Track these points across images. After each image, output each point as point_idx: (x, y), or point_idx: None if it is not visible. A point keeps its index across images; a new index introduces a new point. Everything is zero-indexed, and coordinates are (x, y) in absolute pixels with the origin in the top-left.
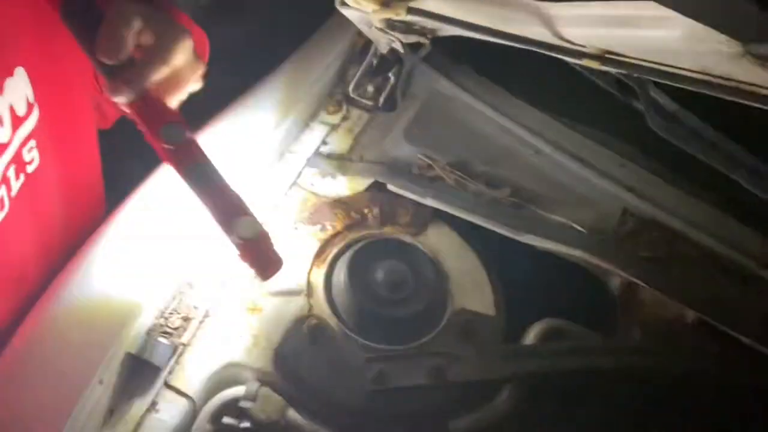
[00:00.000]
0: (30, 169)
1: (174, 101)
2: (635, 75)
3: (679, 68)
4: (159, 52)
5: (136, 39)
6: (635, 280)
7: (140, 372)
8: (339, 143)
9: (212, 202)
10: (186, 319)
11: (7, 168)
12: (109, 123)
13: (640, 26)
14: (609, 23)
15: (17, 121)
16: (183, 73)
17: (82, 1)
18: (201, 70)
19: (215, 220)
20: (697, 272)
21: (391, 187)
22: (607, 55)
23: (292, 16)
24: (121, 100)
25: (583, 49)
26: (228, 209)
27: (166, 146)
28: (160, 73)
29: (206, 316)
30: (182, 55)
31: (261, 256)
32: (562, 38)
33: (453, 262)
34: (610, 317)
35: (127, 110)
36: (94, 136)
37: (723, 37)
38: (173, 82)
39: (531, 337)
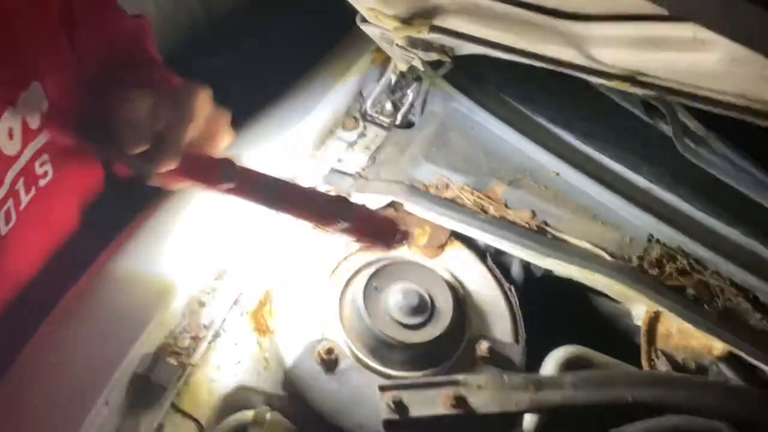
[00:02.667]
0: (42, 183)
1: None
2: (665, 98)
3: (715, 91)
4: (182, 112)
5: (153, 116)
6: (661, 308)
7: (147, 393)
8: (355, 160)
9: (302, 207)
10: (195, 339)
11: (15, 181)
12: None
13: (676, 48)
14: (642, 44)
15: (29, 135)
16: (211, 126)
17: (90, 117)
18: (227, 117)
19: (312, 221)
20: (725, 302)
21: (408, 206)
22: (638, 77)
23: (309, 30)
24: (167, 169)
25: (613, 71)
26: (319, 205)
27: (228, 187)
28: (191, 131)
29: (216, 336)
30: (203, 106)
31: (374, 229)
32: (591, 59)
33: (471, 286)
34: (634, 346)
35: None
36: None
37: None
38: (205, 137)
39: (551, 364)
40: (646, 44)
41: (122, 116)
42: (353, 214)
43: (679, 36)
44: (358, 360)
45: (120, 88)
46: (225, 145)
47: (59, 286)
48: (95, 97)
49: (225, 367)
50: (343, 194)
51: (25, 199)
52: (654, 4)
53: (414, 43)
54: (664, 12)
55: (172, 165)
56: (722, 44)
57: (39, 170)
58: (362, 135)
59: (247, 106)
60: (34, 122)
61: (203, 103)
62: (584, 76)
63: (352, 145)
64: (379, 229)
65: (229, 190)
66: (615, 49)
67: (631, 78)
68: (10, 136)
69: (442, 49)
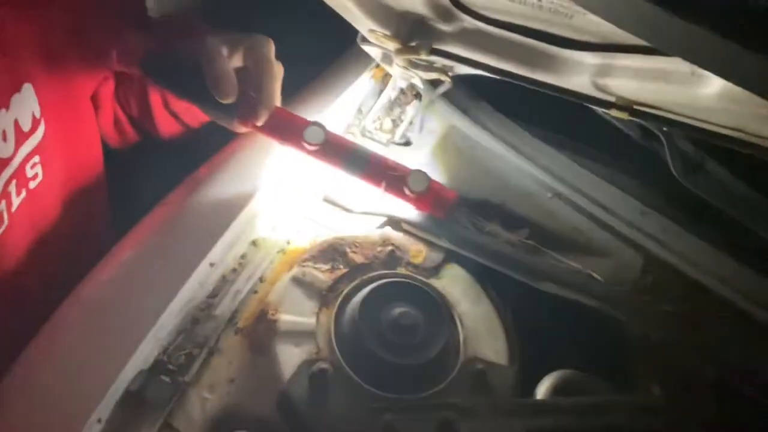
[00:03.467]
0: (33, 185)
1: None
2: (660, 127)
3: (711, 124)
4: (267, 67)
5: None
6: (654, 333)
7: (140, 411)
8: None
9: (380, 174)
10: (189, 357)
11: (8, 183)
12: (129, 142)
13: (675, 81)
14: (643, 76)
15: (22, 137)
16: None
17: (163, 55)
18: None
19: (386, 189)
20: (720, 328)
21: (405, 225)
22: (636, 107)
23: (309, 43)
24: (257, 124)
25: (612, 100)
26: (394, 173)
27: (312, 148)
28: (279, 85)
29: (211, 354)
30: (273, 55)
31: (438, 199)
32: (590, 87)
33: (466, 307)
34: (629, 370)
35: (265, 134)
36: (99, 154)
37: (765, 103)
38: (271, 88)
39: (545, 388)
40: (646, 76)
41: (210, 64)
42: (424, 185)
43: (678, 70)
44: (352, 381)
45: (200, 40)
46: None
47: (56, 293)
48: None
49: (219, 385)
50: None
51: (16, 201)
52: (648, 42)
53: (414, 64)
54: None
55: (263, 119)
56: (718, 81)
57: (30, 172)
58: None
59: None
60: (27, 124)
61: (273, 51)
62: (584, 103)
63: None
64: (438, 199)
65: (311, 151)
66: (616, 80)
67: (629, 108)
68: (4, 138)
69: (442, 69)
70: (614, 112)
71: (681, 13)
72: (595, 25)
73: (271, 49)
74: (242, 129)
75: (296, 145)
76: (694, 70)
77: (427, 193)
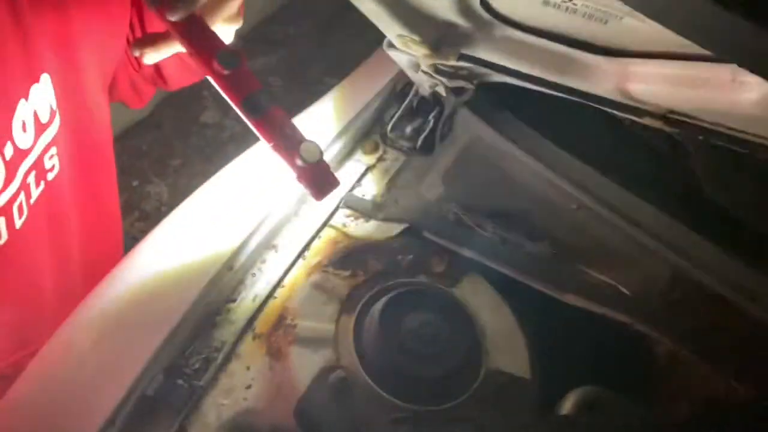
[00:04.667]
0: (50, 176)
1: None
2: (695, 136)
3: (750, 134)
4: None
5: None
6: (682, 350)
7: (156, 415)
8: (374, 184)
9: (271, 130)
10: (206, 361)
11: (27, 174)
12: (144, 101)
13: (713, 88)
14: (679, 82)
15: (40, 128)
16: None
17: None
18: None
19: (274, 147)
20: (750, 346)
21: (426, 234)
22: (670, 115)
23: (330, 51)
24: (172, 17)
25: (645, 107)
26: (288, 135)
27: (221, 72)
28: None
29: (228, 359)
30: None
31: (320, 178)
32: (624, 95)
33: (488, 318)
34: (655, 387)
35: (177, 37)
36: (110, 147)
37: None
38: (216, 6)
39: (569, 405)
40: (682, 83)
41: None
42: (315, 158)
43: (718, 77)
44: (371, 390)
45: None
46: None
47: (71, 287)
48: None
49: (235, 391)
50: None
51: (35, 192)
52: (699, 45)
53: (440, 70)
54: (706, 53)
55: (175, 15)
56: (761, 87)
57: (48, 163)
58: (382, 159)
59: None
60: (45, 115)
61: None
62: (615, 111)
63: (371, 168)
64: (321, 180)
65: (220, 78)
66: (650, 86)
67: (663, 116)
68: (24, 129)
69: (467, 77)
70: (647, 120)
71: (750, 16)
72: (631, 32)
73: None
74: (167, 16)
75: (205, 64)
76: (735, 77)
77: (312, 168)
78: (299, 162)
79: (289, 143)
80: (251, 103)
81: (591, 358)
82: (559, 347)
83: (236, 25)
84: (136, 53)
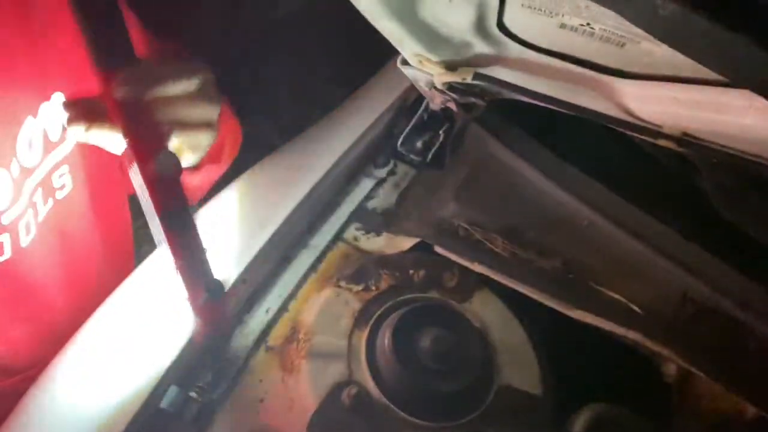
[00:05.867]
0: (60, 195)
1: (181, 142)
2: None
3: (763, 158)
4: (174, 63)
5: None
6: (693, 369)
7: (169, 428)
8: (385, 198)
9: (182, 250)
10: (219, 374)
11: (33, 192)
12: None
13: (729, 113)
14: (693, 106)
15: (49, 146)
16: (193, 106)
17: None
18: (215, 114)
19: (178, 267)
20: (761, 365)
21: (437, 248)
22: (684, 137)
23: (340, 65)
24: (121, 93)
25: (660, 129)
26: (195, 265)
27: (155, 172)
28: (170, 85)
29: (240, 372)
30: (197, 79)
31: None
32: (639, 117)
33: (499, 334)
34: (665, 406)
35: (119, 120)
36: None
37: None
38: (180, 112)
39: (581, 422)
40: (698, 107)
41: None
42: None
43: (734, 102)
44: (385, 406)
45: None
46: (196, 145)
47: (81, 304)
48: None
49: (248, 405)
50: None
51: (42, 210)
52: (714, 72)
53: (454, 88)
54: (722, 78)
55: (130, 92)
56: None
57: (57, 182)
58: (392, 173)
59: (275, 137)
60: (55, 134)
61: (201, 75)
62: (629, 132)
63: (381, 182)
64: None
65: (150, 177)
66: (666, 109)
67: (677, 138)
68: (30, 146)
69: (479, 94)
70: (662, 142)
71: (763, 42)
72: (648, 55)
73: (197, 68)
74: (115, 90)
75: (142, 160)
76: (751, 102)
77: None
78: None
79: (193, 274)
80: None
81: (602, 375)
82: (569, 364)
83: (208, 139)
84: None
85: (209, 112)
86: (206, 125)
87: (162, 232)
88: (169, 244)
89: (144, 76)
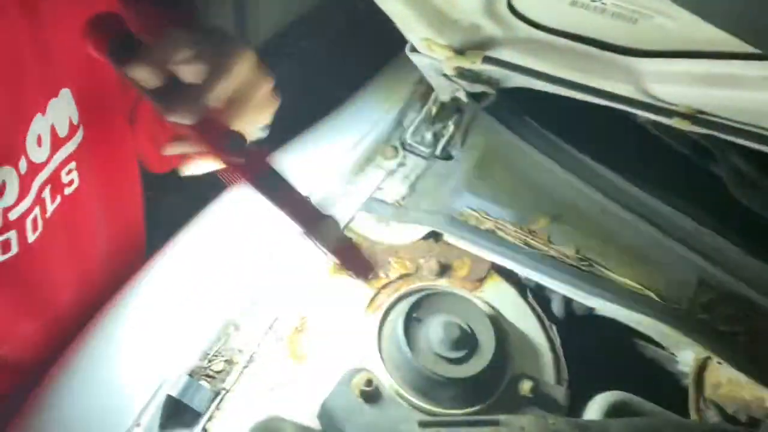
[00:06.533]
0: (68, 191)
1: (246, 126)
2: (717, 138)
3: None
4: (217, 65)
5: (186, 61)
6: (711, 354)
7: (180, 416)
8: (395, 189)
9: (294, 211)
10: (230, 363)
11: (42, 189)
12: (171, 164)
13: (745, 87)
14: (710, 81)
15: (58, 142)
16: (248, 90)
17: (122, 35)
18: (268, 85)
19: (300, 227)
20: None
21: (448, 237)
22: (699, 115)
23: (348, 58)
24: (180, 120)
25: (674, 108)
26: (308, 214)
27: (233, 160)
28: (221, 89)
29: (251, 361)
30: (244, 66)
31: (352, 259)
32: (653, 96)
33: (511, 321)
34: (681, 393)
35: (190, 137)
36: (135, 162)
37: None
38: (238, 101)
39: (596, 409)
40: (714, 81)
41: (149, 46)
42: (335, 239)
43: (751, 74)
44: (397, 393)
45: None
46: (261, 119)
47: (89, 300)
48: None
49: (258, 393)
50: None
51: (50, 207)
52: (745, 42)
53: (462, 74)
54: (740, 50)
55: (186, 118)
56: None
57: (65, 178)
58: (402, 164)
59: (285, 131)
60: (63, 130)
61: (245, 61)
62: (642, 112)
63: (391, 173)
64: (356, 261)
65: (234, 165)
66: (680, 86)
67: (692, 116)
68: (39, 143)
69: (488, 81)
70: (676, 122)
71: None
72: (661, 30)
73: (239, 54)
74: (170, 118)
75: (219, 154)
76: (766, 75)
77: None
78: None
79: (307, 221)
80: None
81: (616, 363)
82: (583, 352)
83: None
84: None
85: (267, 83)
86: (269, 98)
87: (268, 198)
88: (279, 207)
89: (193, 92)
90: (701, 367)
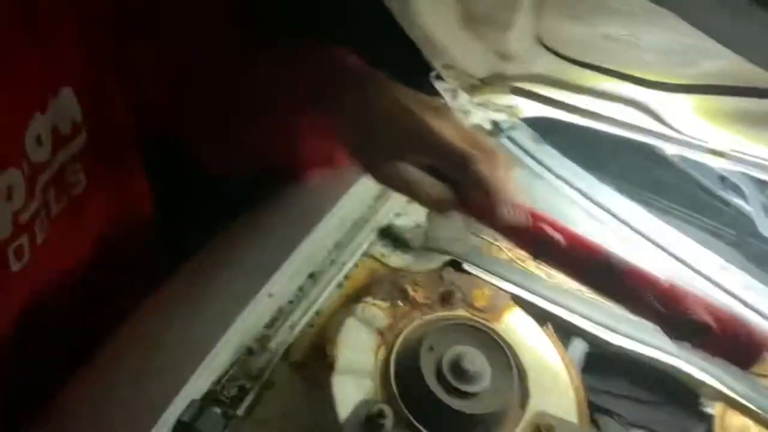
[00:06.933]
0: (74, 191)
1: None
2: (747, 174)
3: None
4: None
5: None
6: (737, 398)
7: None
8: (414, 215)
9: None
10: (242, 389)
11: (46, 189)
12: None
13: None
14: (740, 119)
15: (60, 141)
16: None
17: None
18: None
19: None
20: None
21: (467, 266)
22: (732, 152)
23: None
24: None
25: (709, 145)
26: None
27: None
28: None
29: (265, 387)
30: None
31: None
32: (687, 131)
33: (532, 356)
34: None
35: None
36: (141, 164)
37: None
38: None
39: None
40: (746, 119)
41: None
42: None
43: None
44: (411, 426)
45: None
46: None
47: (97, 308)
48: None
49: (271, 421)
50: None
51: (56, 207)
52: None
53: (488, 104)
54: None
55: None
56: None
57: (71, 178)
58: None
59: None
60: (66, 129)
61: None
62: (676, 148)
63: (411, 199)
64: (738, 342)
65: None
66: (716, 123)
67: (725, 153)
68: (39, 142)
69: (511, 110)
70: (709, 158)
71: None
72: (696, 64)
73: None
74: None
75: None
76: None
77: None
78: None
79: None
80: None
81: (641, 403)
82: (607, 391)
83: None
84: None
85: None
86: None
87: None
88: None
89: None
90: (727, 409)
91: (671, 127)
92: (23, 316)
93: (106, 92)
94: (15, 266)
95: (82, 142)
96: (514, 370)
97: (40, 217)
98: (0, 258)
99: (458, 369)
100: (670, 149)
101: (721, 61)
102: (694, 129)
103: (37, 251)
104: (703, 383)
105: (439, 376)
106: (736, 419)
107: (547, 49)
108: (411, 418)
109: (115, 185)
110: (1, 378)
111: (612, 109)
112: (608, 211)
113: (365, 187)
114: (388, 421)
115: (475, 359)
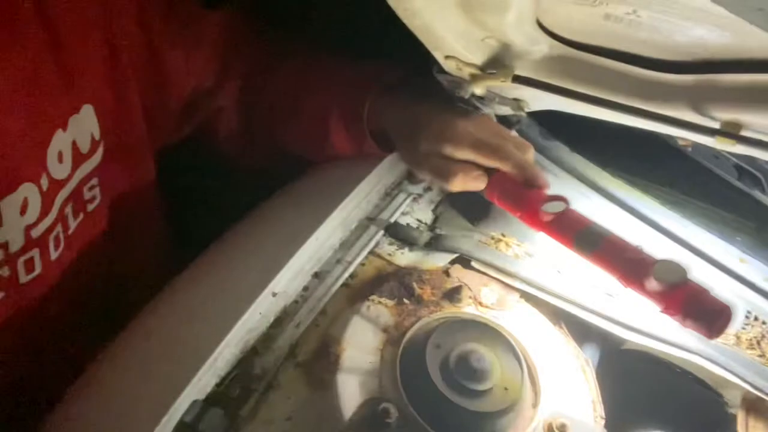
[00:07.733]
0: (90, 207)
1: None
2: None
3: None
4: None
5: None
6: (761, 395)
7: None
8: (420, 214)
9: (611, 260)
10: (246, 390)
11: (64, 205)
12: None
13: None
14: (751, 96)
15: (79, 158)
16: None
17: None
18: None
19: (623, 278)
20: None
21: (475, 264)
22: (746, 134)
23: None
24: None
25: (715, 125)
26: (633, 260)
27: (546, 218)
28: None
29: (269, 387)
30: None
31: (696, 302)
32: (696, 113)
33: (543, 354)
34: None
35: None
36: (153, 177)
37: None
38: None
39: None
40: (757, 96)
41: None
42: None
43: None
44: (418, 425)
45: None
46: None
47: (111, 315)
48: None
49: (275, 422)
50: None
51: (73, 223)
52: None
53: (491, 95)
54: None
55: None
56: None
57: (87, 194)
58: (428, 188)
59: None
60: (85, 146)
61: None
62: (683, 131)
63: (417, 198)
64: (703, 307)
65: (546, 223)
66: (720, 102)
67: (735, 135)
68: (60, 159)
69: (517, 103)
70: (719, 140)
71: None
72: (700, 41)
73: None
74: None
75: (530, 217)
76: None
77: (677, 290)
78: (656, 286)
79: (636, 269)
80: (581, 240)
81: (657, 402)
82: (622, 390)
83: None
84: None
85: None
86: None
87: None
88: (597, 264)
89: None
90: (750, 408)
91: (681, 111)
92: (29, 328)
93: (124, 107)
94: (24, 279)
95: (99, 157)
96: (524, 367)
97: (56, 233)
98: (10, 270)
99: (466, 367)
100: (678, 134)
101: (725, 36)
102: (710, 110)
103: (49, 266)
104: (726, 382)
105: (446, 374)
106: (760, 416)
107: (547, 32)
108: (417, 416)
109: (130, 201)
110: (6, 387)
111: (619, 95)
112: (623, 205)
113: (371, 185)
114: (394, 420)
115: (483, 357)
